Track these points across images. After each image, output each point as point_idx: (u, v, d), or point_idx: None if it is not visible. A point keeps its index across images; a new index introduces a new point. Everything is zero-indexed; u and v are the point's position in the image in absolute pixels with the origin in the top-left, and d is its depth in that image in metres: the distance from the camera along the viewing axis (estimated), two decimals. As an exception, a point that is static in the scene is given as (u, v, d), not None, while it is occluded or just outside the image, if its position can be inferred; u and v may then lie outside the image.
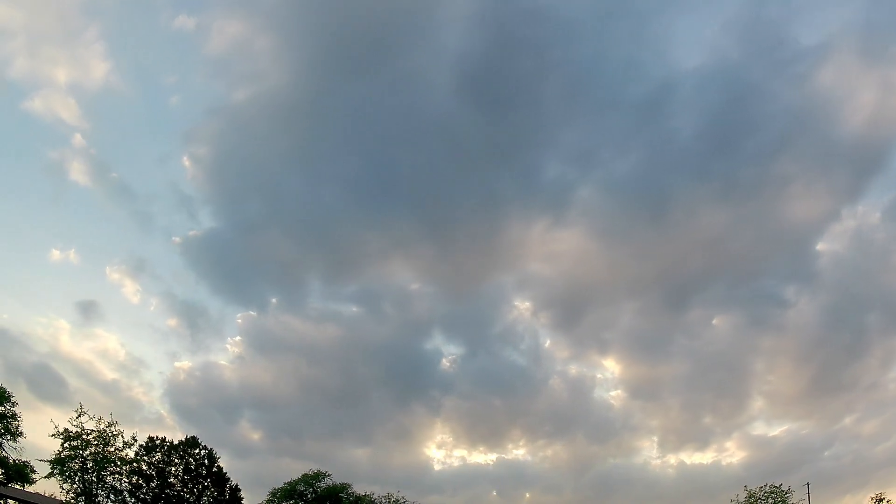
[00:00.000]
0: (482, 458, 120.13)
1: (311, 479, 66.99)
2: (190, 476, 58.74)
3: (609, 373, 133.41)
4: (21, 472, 46.25)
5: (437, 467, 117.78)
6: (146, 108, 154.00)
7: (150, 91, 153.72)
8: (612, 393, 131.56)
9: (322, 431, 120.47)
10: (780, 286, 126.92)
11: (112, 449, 53.61)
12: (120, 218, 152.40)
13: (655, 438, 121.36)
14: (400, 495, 70.02)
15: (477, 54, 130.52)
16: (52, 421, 52.67)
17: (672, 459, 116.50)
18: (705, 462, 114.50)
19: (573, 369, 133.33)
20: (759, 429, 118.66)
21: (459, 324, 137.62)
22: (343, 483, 67.74)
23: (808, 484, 61.68)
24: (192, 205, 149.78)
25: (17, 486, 45.70)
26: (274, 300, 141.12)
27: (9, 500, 43.72)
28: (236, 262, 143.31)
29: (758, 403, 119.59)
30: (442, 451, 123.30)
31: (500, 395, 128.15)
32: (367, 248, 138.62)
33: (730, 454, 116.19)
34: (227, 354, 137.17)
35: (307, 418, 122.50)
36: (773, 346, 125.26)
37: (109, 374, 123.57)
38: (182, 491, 57.67)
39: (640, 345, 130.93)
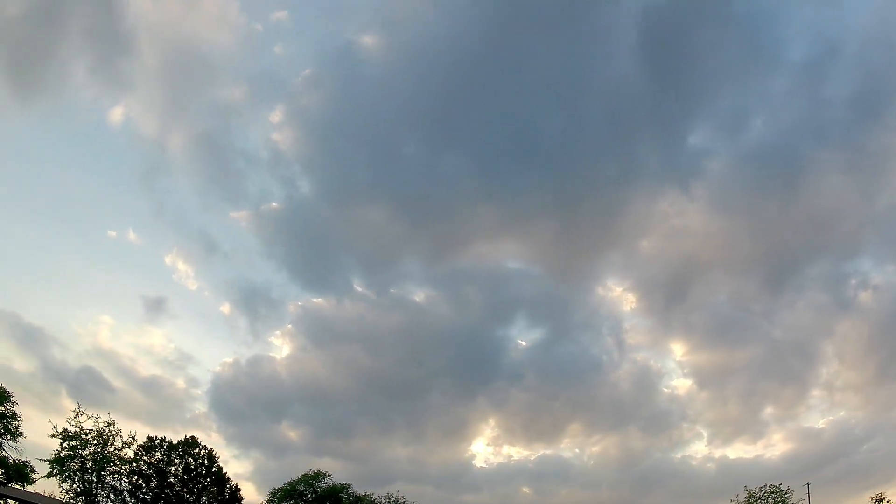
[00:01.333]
0: (528, 454, 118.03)
1: (311, 479, 66.93)
2: (190, 476, 58.63)
3: (679, 360, 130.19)
4: (21, 472, 46.09)
5: (478, 465, 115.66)
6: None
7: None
8: (676, 382, 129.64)
9: (371, 428, 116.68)
10: (876, 268, 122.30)
11: (111, 448, 53.51)
12: (183, 188, 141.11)
13: (706, 432, 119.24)
14: (399, 495, 70.12)
15: (662, 10, 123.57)
16: (49, 421, 52.62)
17: (718, 453, 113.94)
18: (748, 456, 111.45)
19: (644, 357, 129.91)
20: (810, 420, 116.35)
21: (547, 307, 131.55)
22: (343, 483, 67.78)
23: (808, 484, 61.81)
24: (279, 169, 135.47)
25: (17, 486, 45.58)
26: (357, 285, 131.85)
27: (9, 500, 43.61)
28: (321, 239, 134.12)
29: (817, 392, 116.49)
30: (490, 447, 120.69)
31: (567, 385, 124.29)
32: (479, 223, 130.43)
33: (774, 448, 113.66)
34: (282, 346, 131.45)
35: (357, 415, 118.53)
36: (846, 331, 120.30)
37: (154, 371, 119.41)
38: (182, 491, 57.56)
39: (720, 330, 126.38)
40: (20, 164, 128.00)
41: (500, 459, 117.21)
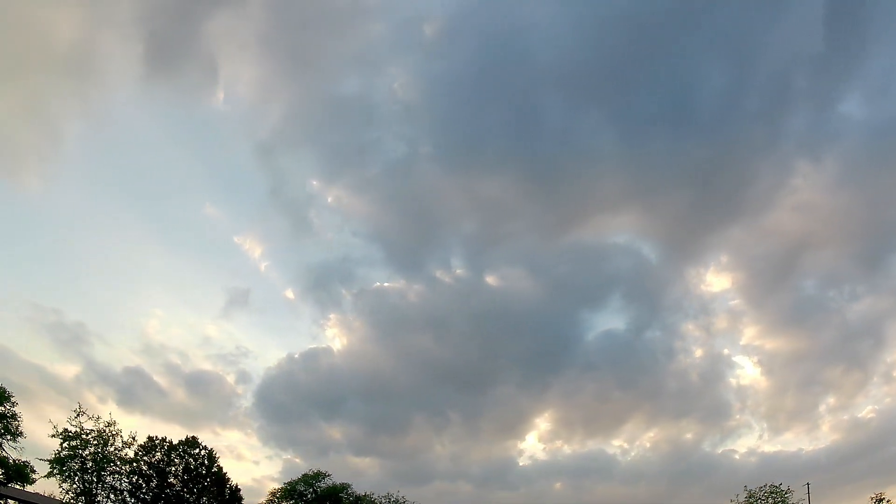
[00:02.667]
0: (577, 449, 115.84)
1: (311, 479, 66.96)
2: (190, 476, 58.62)
3: (753, 346, 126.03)
4: (21, 472, 46.11)
5: (522, 462, 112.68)
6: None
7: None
8: (743, 370, 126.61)
9: (425, 424, 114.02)
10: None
11: (111, 448, 53.53)
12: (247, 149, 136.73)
13: (761, 424, 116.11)
14: (399, 495, 70.09)
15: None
16: (50, 421, 52.64)
17: (765, 447, 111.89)
18: (790, 449, 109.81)
19: (720, 344, 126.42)
20: (862, 409, 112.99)
21: (642, 289, 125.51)
22: (343, 483, 67.80)
23: (808, 484, 61.74)
24: (400, 128, 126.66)
25: (17, 486, 45.58)
26: (452, 266, 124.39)
27: (9, 500, 43.60)
28: (424, 213, 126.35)
29: (876, 380, 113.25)
30: (540, 443, 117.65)
31: (635, 375, 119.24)
32: (606, 193, 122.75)
33: (819, 440, 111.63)
34: (345, 336, 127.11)
35: (414, 410, 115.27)
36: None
37: (205, 366, 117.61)
38: (182, 491, 57.55)
39: (800, 313, 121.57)
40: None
41: (545, 456, 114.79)
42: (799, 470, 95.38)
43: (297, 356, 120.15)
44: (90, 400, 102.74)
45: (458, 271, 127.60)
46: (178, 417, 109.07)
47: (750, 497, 60.65)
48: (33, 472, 47.45)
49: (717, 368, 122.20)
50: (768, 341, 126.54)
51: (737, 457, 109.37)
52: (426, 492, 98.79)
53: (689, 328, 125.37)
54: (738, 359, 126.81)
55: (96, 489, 52.54)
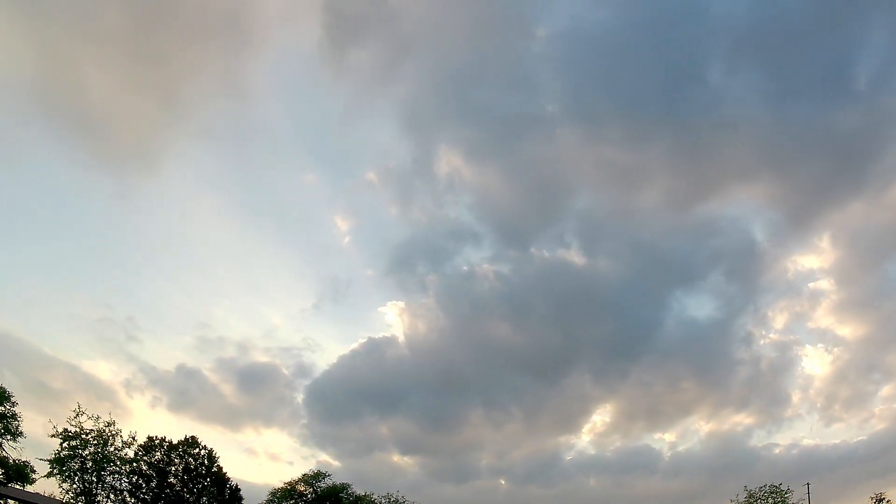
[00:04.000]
0: (627, 443, 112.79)
1: (311, 479, 66.97)
2: (189, 476, 58.62)
3: (822, 334, 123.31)
4: (21, 472, 46.09)
5: (568, 457, 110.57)
6: None
7: None
8: (808, 359, 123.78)
9: (482, 419, 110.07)
10: None
11: (111, 448, 53.51)
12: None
13: (812, 415, 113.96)
14: (399, 495, 70.09)
15: None
16: (50, 421, 52.64)
17: (807, 440, 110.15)
18: (831, 442, 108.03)
19: (794, 331, 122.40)
20: None
21: (743, 268, 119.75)
22: (343, 483, 67.80)
23: (808, 484, 61.76)
24: (533, 89, 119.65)
25: (17, 486, 45.57)
26: (558, 245, 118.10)
27: (9, 500, 43.58)
28: (542, 179, 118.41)
29: None
30: (589, 438, 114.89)
31: (711, 362, 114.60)
32: (735, 164, 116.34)
33: (862, 430, 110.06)
34: (416, 324, 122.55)
35: (474, 403, 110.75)
36: None
37: (265, 359, 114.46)
38: (182, 491, 57.55)
39: (879, 299, 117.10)
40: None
41: (593, 451, 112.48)
42: (834, 463, 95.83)
43: (363, 346, 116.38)
44: (139, 401, 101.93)
45: (558, 250, 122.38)
46: (222, 416, 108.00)
47: (750, 497, 60.66)
48: (33, 472, 47.47)
49: (786, 356, 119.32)
50: (841, 325, 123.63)
51: (777, 450, 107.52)
52: (463, 491, 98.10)
53: (774, 312, 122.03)
54: (809, 345, 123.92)
55: (96, 489, 52.53)
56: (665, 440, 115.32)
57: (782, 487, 60.45)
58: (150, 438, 58.14)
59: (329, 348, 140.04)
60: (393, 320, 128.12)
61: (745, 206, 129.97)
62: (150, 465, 56.76)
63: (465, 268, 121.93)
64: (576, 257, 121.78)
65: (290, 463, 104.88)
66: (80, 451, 51.74)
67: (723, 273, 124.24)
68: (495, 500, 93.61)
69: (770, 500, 59.71)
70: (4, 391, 46.24)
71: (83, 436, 51.96)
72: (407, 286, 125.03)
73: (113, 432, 53.66)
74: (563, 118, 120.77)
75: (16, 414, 46.37)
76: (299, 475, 67.41)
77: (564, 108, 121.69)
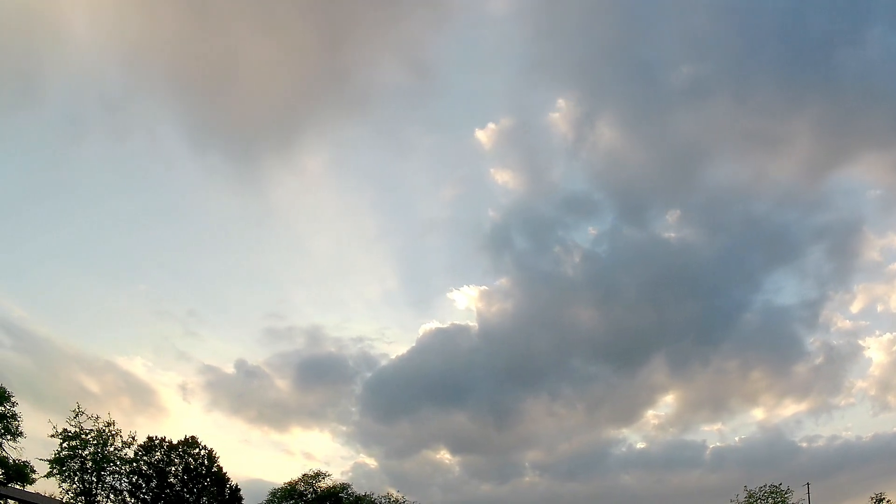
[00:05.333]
0: (678, 435, 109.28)
1: (311, 479, 66.96)
2: (189, 476, 58.55)
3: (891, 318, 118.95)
4: (21, 472, 45.99)
5: (616, 451, 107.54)
6: None
7: None
8: (875, 347, 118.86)
9: (542, 411, 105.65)
10: None
11: (111, 448, 53.43)
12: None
13: (864, 405, 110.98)
14: (399, 495, 70.19)
15: None
16: (49, 421, 52.55)
17: (847, 433, 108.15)
18: (874, 433, 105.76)
19: (876, 319, 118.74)
20: None
21: (848, 245, 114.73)
22: (343, 483, 67.84)
23: (807, 484, 61.81)
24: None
25: (17, 486, 45.48)
26: (685, 219, 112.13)
27: (9, 500, 43.49)
28: (665, 149, 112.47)
29: None
30: (640, 432, 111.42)
31: (782, 351, 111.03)
32: (874, 130, 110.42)
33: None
34: (489, 309, 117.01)
35: (537, 398, 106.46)
36: None
37: (332, 349, 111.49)
38: (182, 491, 57.48)
39: None
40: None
41: (643, 445, 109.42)
42: (869, 455, 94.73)
43: (433, 336, 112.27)
44: (195, 404, 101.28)
45: (665, 227, 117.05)
46: (271, 417, 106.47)
47: (750, 497, 60.70)
48: (33, 472, 47.39)
49: (853, 343, 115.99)
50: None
51: (820, 442, 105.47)
52: (500, 490, 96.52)
53: (853, 295, 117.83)
54: (879, 332, 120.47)
55: (96, 489, 52.46)
56: (715, 432, 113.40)
57: (782, 487, 60.57)
58: (149, 438, 58.11)
59: (404, 336, 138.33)
60: (469, 306, 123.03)
61: (867, 177, 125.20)
62: (149, 465, 56.68)
63: (557, 248, 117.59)
64: (680, 234, 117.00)
65: (327, 463, 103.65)
66: (80, 451, 51.66)
67: (824, 251, 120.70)
68: (531, 498, 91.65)
69: (770, 501, 59.73)
70: (4, 391, 46.16)
71: (83, 436, 51.88)
72: (494, 267, 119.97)
73: (113, 432, 53.61)
74: (709, 83, 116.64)
75: (16, 414, 46.33)
76: (334, 476, 67.25)
77: (711, 73, 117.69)
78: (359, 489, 67.71)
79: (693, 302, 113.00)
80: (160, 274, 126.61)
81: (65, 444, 51.13)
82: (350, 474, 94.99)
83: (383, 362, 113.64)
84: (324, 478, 67.41)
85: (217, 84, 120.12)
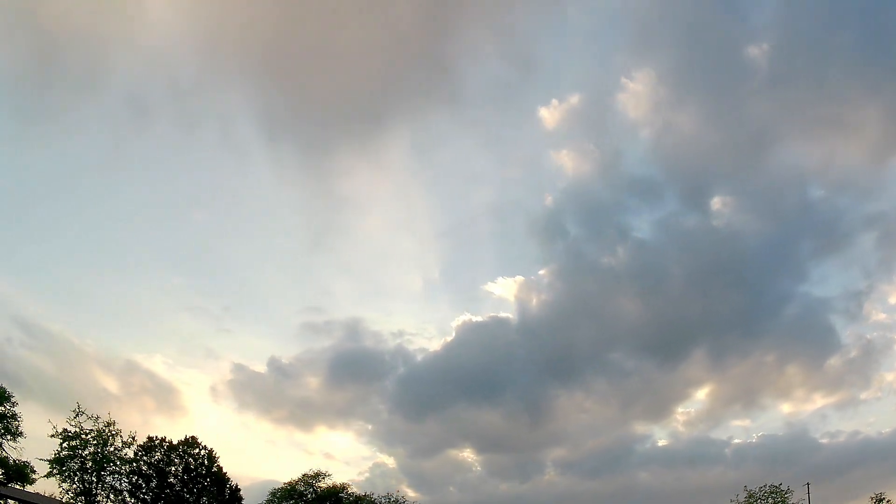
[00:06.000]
0: (704, 431, 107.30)
1: (311, 479, 66.97)
2: (189, 476, 58.56)
3: None
4: (21, 472, 46.02)
5: (641, 448, 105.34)
6: None
7: None
8: None
9: (573, 407, 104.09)
10: None
11: (111, 448, 53.44)
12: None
13: (891, 399, 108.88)
14: (399, 495, 70.20)
15: None
16: (49, 421, 52.57)
17: (869, 429, 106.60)
18: (886, 430, 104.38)
19: None
20: None
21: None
22: (343, 483, 67.88)
23: (808, 484, 61.80)
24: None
25: (17, 486, 45.50)
26: (741, 205, 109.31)
27: (9, 500, 43.51)
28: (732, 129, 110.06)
29: None
30: (666, 428, 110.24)
31: (826, 340, 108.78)
32: None
33: None
34: (531, 297, 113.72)
35: (570, 393, 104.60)
36: None
37: (369, 344, 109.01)
38: (182, 491, 57.48)
39: None
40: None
41: (666, 441, 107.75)
42: (887, 451, 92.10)
43: (470, 329, 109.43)
44: (223, 404, 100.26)
45: (719, 213, 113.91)
46: (298, 416, 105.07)
47: (750, 497, 60.71)
48: (33, 472, 47.41)
49: (887, 336, 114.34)
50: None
51: (841, 438, 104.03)
52: (519, 488, 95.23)
53: (893, 286, 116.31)
54: None
55: (96, 489, 52.46)
56: (741, 429, 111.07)
57: (782, 487, 60.58)
58: (150, 438, 58.09)
59: (442, 330, 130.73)
60: (509, 297, 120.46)
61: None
62: (149, 465, 56.67)
63: (610, 235, 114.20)
64: (733, 220, 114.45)
65: (347, 463, 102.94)
66: (80, 451, 51.66)
67: (873, 239, 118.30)
68: (548, 497, 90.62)
69: (770, 501, 59.73)
70: (4, 391, 46.18)
71: (83, 436, 51.88)
72: (542, 255, 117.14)
73: (113, 432, 53.61)
74: (788, 67, 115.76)
75: (16, 414, 46.36)
76: (349, 477, 67.28)
77: (789, 56, 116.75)
78: (375, 490, 67.43)
79: (740, 292, 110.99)
80: (198, 267, 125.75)
81: (65, 444, 51.12)
82: (367, 475, 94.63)
83: (419, 357, 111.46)
84: (324, 478, 67.48)
85: (298, 71, 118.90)
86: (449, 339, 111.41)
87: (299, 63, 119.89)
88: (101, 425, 52.93)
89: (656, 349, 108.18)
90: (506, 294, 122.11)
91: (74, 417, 51.92)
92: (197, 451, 60.00)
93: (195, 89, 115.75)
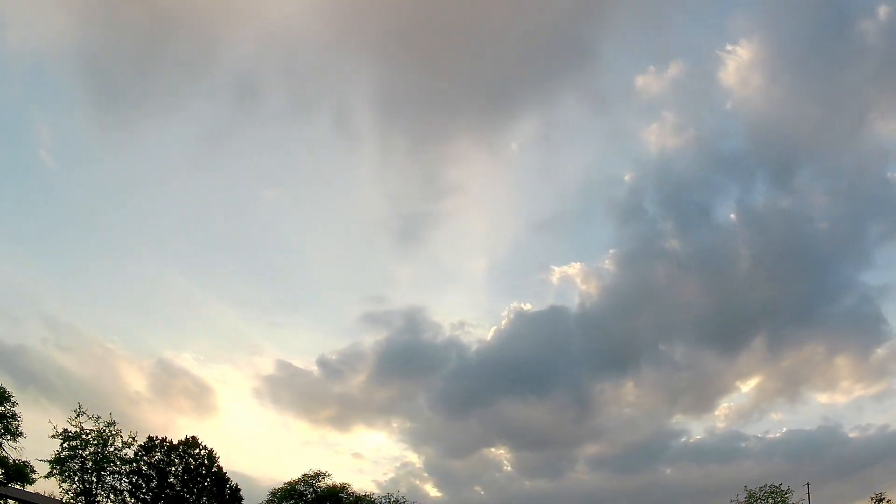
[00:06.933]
0: (738, 425, 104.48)
1: (311, 478, 67.01)
2: (190, 476, 58.57)
3: None
4: (21, 472, 46.09)
5: (678, 442, 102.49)
6: None
7: None
8: None
9: (625, 403, 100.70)
10: None
11: (111, 449, 53.49)
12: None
13: None
14: (399, 495, 70.23)
15: None
16: (50, 421, 52.60)
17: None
18: None
19: None
20: None
21: None
22: (343, 483, 67.88)
23: (808, 484, 61.74)
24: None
25: (17, 486, 45.54)
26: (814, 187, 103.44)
27: (9, 500, 43.57)
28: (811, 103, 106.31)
29: None
30: (709, 421, 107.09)
31: (871, 330, 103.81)
32: None
33: None
34: (592, 288, 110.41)
35: (617, 387, 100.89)
36: None
37: (427, 336, 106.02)
38: (182, 491, 57.50)
39: None
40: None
41: (700, 435, 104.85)
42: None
43: (528, 318, 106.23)
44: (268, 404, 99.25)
45: (792, 196, 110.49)
46: (335, 414, 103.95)
47: (750, 497, 60.66)
48: (33, 472, 47.52)
49: None
50: None
51: (871, 432, 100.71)
52: (548, 486, 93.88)
53: None
54: None
55: (96, 489, 52.51)
56: (776, 422, 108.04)
57: (782, 487, 60.50)
58: (150, 438, 58.11)
59: (496, 320, 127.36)
60: (569, 285, 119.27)
61: None
62: (150, 465, 56.70)
63: (690, 215, 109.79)
64: (808, 200, 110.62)
65: (376, 462, 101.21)
66: (80, 451, 51.71)
67: None
68: (575, 495, 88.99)
69: (770, 500, 59.68)
70: (4, 391, 46.24)
71: (83, 436, 51.93)
72: (612, 238, 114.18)
73: (113, 432, 53.67)
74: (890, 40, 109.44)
75: (16, 414, 46.47)
76: (372, 477, 66.91)
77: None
78: (398, 489, 66.93)
79: (803, 279, 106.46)
80: (252, 258, 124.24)
81: (65, 444, 51.19)
82: (391, 475, 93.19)
83: (474, 349, 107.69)
84: (324, 477, 67.48)
85: (424, 56, 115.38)
86: (502, 328, 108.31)
87: (428, 47, 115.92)
88: (101, 425, 53.03)
89: (712, 340, 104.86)
90: (566, 281, 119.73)
91: (75, 417, 52.03)
92: (197, 451, 60.04)
93: (311, 73, 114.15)
